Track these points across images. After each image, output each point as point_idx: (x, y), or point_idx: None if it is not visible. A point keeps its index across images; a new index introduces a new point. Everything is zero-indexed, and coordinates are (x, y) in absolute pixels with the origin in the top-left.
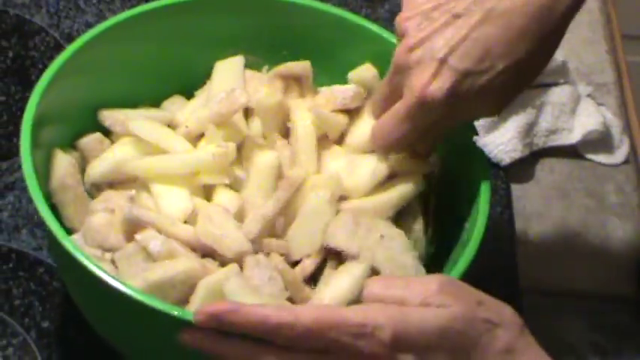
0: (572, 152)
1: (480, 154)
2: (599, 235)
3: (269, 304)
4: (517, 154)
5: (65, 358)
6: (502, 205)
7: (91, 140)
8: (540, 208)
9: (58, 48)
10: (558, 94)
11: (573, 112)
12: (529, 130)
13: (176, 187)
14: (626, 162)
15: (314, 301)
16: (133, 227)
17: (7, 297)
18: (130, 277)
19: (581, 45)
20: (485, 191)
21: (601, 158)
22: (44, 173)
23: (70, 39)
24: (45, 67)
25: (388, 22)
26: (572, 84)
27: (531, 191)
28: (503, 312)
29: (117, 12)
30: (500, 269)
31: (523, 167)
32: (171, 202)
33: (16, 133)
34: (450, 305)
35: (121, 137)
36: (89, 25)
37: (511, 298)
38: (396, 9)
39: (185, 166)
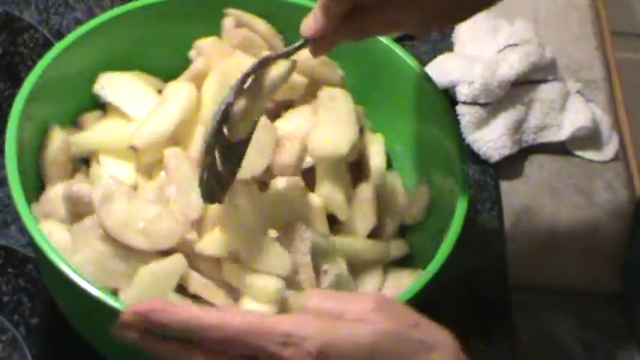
0: (561, 149)
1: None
2: (588, 232)
3: (199, 306)
4: (506, 151)
5: (54, 355)
6: (491, 202)
7: (90, 117)
8: (529, 205)
9: (47, 45)
10: (547, 91)
11: (562, 108)
12: (518, 126)
13: (122, 160)
14: (615, 159)
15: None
16: (75, 204)
17: None
18: (82, 248)
19: (571, 42)
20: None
21: (590, 155)
22: (36, 148)
23: (60, 36)
24: (34, 63)
25: None
26: (561, 80)
27: (520, 188)
28: (439, 335)
29: (106, 8)
30: (489, 266)
31: (512, 164)
32: (113, 172)
33: (6, 130)
34: (383, 323)
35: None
36: (78, 22)
37: (500, 294)
38: None
39: (119, 141)
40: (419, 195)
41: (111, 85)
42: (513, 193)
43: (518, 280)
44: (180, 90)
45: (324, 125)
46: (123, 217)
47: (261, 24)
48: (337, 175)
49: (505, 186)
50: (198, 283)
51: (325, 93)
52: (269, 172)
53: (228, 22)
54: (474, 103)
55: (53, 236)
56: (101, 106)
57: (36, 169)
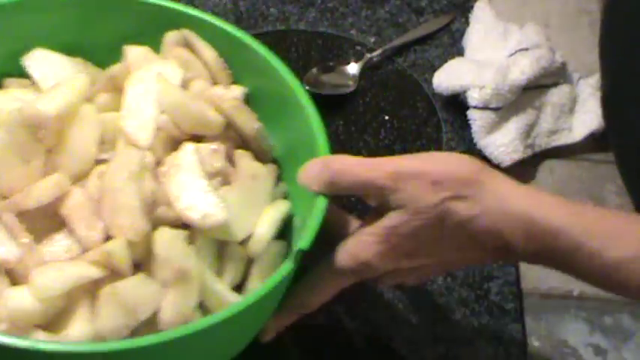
0: (572, 152)
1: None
2: None
3: None
4: (518, 155)
5: None
6: None
7: (14, 82)
8: None
9: None
10: (558, 95)
11: (572, 111)
12: (530, 131)
13: None
14: None
15: None
16: None
17: None
18: None
19: (582, 46)
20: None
21: (602, 157)
22: None
23: None
24: None
25: (389, 23)
26: (571, 84)
27: None
28: (453, 176)
29: None
30: (500, 271)
31: (523, 168)
32: None
33: None
34: (405, 204)
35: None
36: None
37: (511, 299)
38: (395, 10)
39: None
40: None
41: (39, 61)
42: None
43: (530, 286)
44: (73, 79)
45: (233, 204)
46: None
47: (209, 52)
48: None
49: None
50: None
51: (247, 167)
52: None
53: (170, 37)
54: (485, 108)
55: None
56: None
57: None
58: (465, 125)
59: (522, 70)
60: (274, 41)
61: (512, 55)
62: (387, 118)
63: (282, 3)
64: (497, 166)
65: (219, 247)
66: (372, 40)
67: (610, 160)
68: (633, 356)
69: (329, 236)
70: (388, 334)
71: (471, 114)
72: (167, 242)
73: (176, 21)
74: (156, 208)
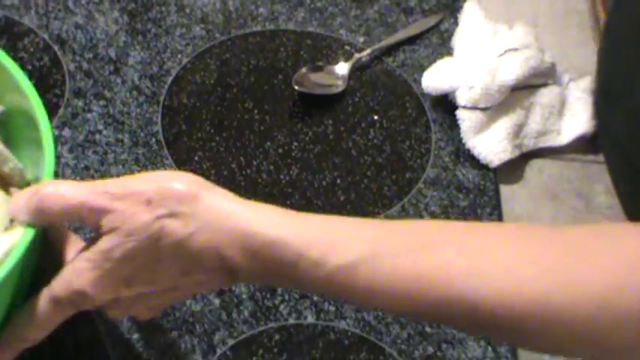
0: (561, 153)
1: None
2: None
3: None
4: (507, 156)
5: None
6: (491, 207)
7: None
8: (529, 210)
9: (48, 49)
10: (547, 96)
11: (561, 113)
12: (518, 131)
13: None
14: None
15: None
16: None
17: None
18: None
19: (571, 46)
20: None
21: (591, 157)
22: None
23: (59, 40)
24: (34, 68)
25: (378, 23)
26: (560, 85)
27: (520, 193)
28: (168, 193)
29: (106, 13)
30: None
31: (512, 168)
32: None
33: None
34: (118, 226)
35: None
36: (78, 27)
37: None
38: (384, 10)
39: None
40: None
41: None
42: (513, 198)
43: None
44: None
45: None
46: None
47: None
48: None
49: (505, 191)
50: None
51: None
52: None
53: None
54: (474, 108)
55: None
56: None
57: None
58: (454, 125)
59: (511, 70)
60: (263, 41)
61: (501, 55)
62: (376, 118)
63: (271, 3)
64: (486, 166)
65: None
66: (361, 40)
67: (600, 160)
68: None
69: (55, 262)
70: (378, 333)
71: (460, 114)
72: None
73: None
74: None
